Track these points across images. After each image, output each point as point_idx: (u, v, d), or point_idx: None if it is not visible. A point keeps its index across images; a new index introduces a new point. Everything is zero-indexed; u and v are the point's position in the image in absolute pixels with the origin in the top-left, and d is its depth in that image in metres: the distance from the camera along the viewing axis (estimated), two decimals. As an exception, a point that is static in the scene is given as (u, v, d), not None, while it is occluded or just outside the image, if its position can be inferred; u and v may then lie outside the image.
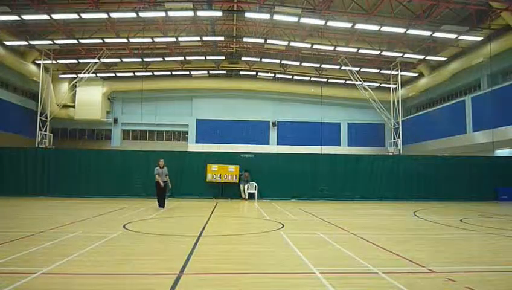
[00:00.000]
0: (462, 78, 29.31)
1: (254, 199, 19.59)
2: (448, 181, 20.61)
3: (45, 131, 27.57)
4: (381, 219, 12.76)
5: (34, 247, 6.70)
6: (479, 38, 24.11)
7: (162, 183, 13.94)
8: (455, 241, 8.29)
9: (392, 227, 10.75)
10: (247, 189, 19.86)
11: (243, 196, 19.95)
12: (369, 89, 31.01)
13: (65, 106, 33.59)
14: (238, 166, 20.08)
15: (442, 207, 16.86)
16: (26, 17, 21.56)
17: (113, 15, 21.85)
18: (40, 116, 27.34)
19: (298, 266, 5.75)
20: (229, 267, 5.69)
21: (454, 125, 29.25)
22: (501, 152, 25.91)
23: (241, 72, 36.45)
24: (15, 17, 21.56)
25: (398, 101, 29.52)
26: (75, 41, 26.26)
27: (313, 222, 11.28)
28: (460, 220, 11.75)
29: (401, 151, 28.41)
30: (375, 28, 22.88)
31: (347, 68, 30.09)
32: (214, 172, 19.94)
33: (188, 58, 32.01)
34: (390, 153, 29.20)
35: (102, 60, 28.98)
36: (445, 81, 30.37)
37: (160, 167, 14.17)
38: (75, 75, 32.13)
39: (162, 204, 14.31)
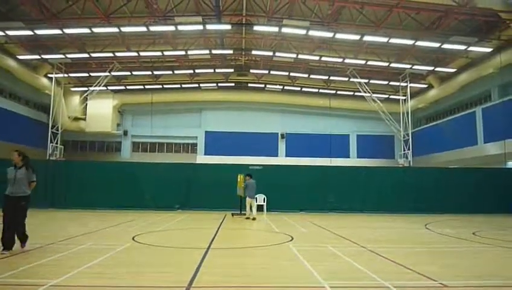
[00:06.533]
0: (472, 89, 29.06)
1: (263, 211, 19.39)
2: (460, 193, 20.22)
3: (56, 143, 27.89)
4: (392, 232, 12.59)
5: (44, 259, 6.72)
6: (488, 49, 23.96)
7: None
8: (468, 255, 8.13)
9: (403, 240, 10.59)
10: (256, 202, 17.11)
11: (248, 215, 15.65)
12: (378, 101, 30.95)
13: (76, 119, 34.01)
14: (242, 175, 16.95)
15: (454, 220, 16.59)
16: (39, 31, 22.01)
17: (124, 29, 22.19)
18: (52, 128, 27.71)
19: (308, 280, 5.67)
20: (238, 280, 5.63)
21: (465, 137, 28.92)
22: (513, 164, 25.54)
23: (249, 85, 36.60)
24: (28, 32, 22.06)
25: (407, 113, 29.35)
26: (87, 55, 26.73)
27: (322, 235, 11.17)
28: (473, 233, 11.52)
29: (411, 163, 28.14)
30: (384, 40, 22.89)
31: (356, 80, 30.06)
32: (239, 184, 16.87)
33: (197, 71, 32.28)
34: (400, 165, 28.93)
35: (112, 73, 29.40)
36: (455, 92, 30.14)
37: (17, 164, 7.34)
38: (86, 88, 32.58)
39: (6, 243, 6.98)
